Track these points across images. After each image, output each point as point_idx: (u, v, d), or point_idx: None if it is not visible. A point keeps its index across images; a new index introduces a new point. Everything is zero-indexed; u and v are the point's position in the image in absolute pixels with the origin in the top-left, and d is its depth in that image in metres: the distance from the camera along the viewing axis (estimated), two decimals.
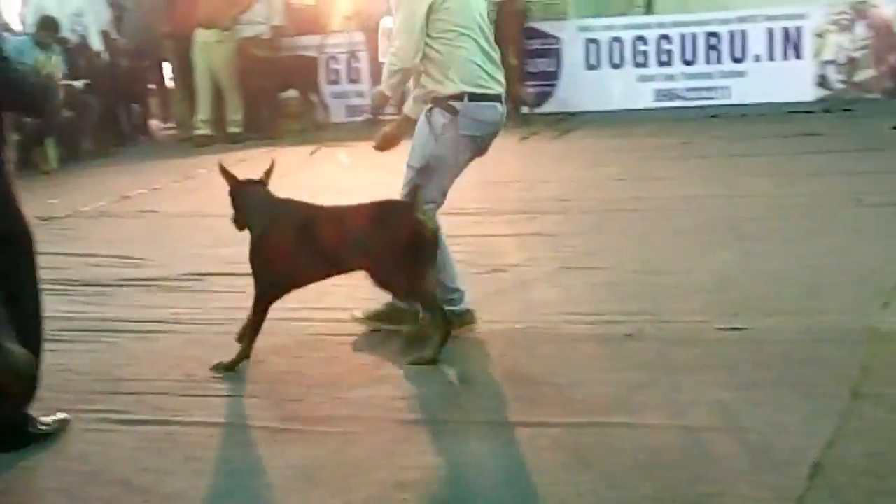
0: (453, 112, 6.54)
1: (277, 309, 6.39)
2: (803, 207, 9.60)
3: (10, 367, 3.52)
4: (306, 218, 6.33)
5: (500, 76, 6.73)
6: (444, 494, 4.86)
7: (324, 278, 6.47)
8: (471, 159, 6.80)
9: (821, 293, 7.17)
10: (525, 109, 16.34)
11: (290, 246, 6.25)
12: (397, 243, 6.14)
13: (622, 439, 5.18)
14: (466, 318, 6.77)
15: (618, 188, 11.11)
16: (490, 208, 10.40)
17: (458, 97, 6.54)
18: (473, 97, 6.56)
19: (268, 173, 6.49)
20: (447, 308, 6.50)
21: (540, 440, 5.25)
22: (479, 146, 6.75)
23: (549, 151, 13.86)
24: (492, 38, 6.76)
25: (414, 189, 6.38)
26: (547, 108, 16.94)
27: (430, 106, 6.63)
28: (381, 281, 6.25)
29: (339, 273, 6.43)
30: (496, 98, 6.66)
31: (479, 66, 6.60)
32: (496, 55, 6.75)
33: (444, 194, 6.74)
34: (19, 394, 4.40)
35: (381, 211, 6.31)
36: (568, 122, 15.83)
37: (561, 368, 6.16)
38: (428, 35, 6.51)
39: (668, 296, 7.33)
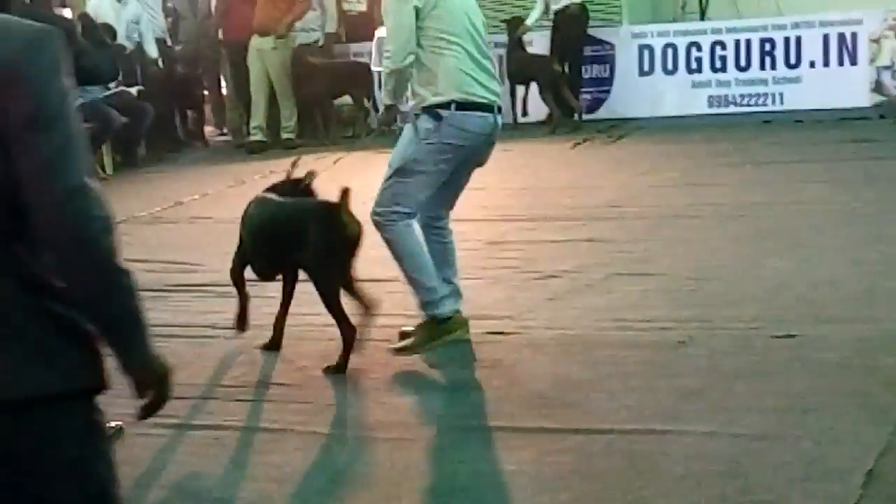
0: (438, 119, 6.44)
1: (323, 313, 6.42)
2: (859, 214, 9.52)
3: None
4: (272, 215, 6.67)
5: (495, 85, 6.64)
6: (493, 501, 4.85)
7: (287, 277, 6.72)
8: (458, 172, 6.65)
9: (876, 301, 7.10)
10: (576, 117, 16.29)
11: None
12: (322, 244, 6.24)
13: (674, 446, 5.16)
14: (452, 323, 6.67)
15: (671, 194, 11.06)
16: (542, 214, 10.39)
17: (445, 105, 6.44)
18: (460, 105, 6.44)
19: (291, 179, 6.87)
20: (428, 313, 6.56)
21: (591, 446, 5.23)
22: (466, 157, 6.59)
23: (602, 158, 13.82)
24: (486, 47, 6.66)
25: (344, 191, 6.34)
26: (600, 114, 16.90)
27: (418, 112, 6.58)
28: (314, 282, 6.33)
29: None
30: (486, 107, 6.52)
31: (468, 74, 6.46)
32: (490, 64, 6.66)
33: (420, 204, 6.56)
34: None
35: (313, 211, 6.49)
36: (621, 128, 15.78)
37: (613, 375, 6.14)
38: (418, 43, 6.46)
39: (722, 303, 7.29)
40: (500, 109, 6.65)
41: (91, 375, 2.72)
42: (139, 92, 15.22)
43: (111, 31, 15.03)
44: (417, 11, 6.41)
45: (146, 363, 2.77)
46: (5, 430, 2.61)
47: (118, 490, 2.82)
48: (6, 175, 2.55)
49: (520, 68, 16.22)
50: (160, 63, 16.75)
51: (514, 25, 16.30)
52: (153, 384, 2.82)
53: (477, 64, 6.51)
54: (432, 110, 6.48)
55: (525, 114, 16.80)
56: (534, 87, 16.41)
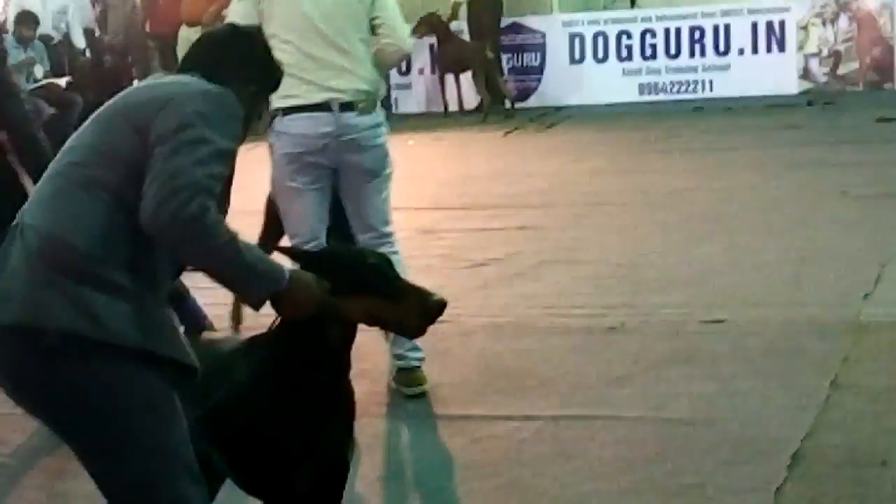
0: (274, 130, 5.82)
1: None
2: (787, 200, 9.62)
3: None
4: None
5: (347, 80, 5.71)
6: (427, 487, 4.87)
7: None
8: (340, 184, 5.85)
9: (803, 285, 7.18)
10: (507, 104, 16.33)
11: None
12: None
13: (603, 432, 5.20)
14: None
15: (602, 182, 11.12)
16: (473, 203, 10.41)
17: (276, 113, 5.73)
18: (287, 111, 5.69)
19: None
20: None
21: (522, 433, 5.26)
22: (322, 164, 5.76)
23: (533, 146, 13.86)
24: (340, 36, 5.73)
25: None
26: (531, 102, 16.96)
27: None
28: None
29: None
30: (316, 107, 5.67)
31: (295, 75, 5.44)
32: (344, 57, 5.73)
33: (313, 228, 5.75)
34: None
35: None
36: (552, 116, 15.84)
37: (543, 362, 6.17)
38: None
39: (651, 289, 7.34)
40: (356, 106, 5.72)
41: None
42: (68, 83, 15.06)
43: (34, 19, 14.86)
44: (248, 3, 5.78)
45: (262, 300, 3.03)
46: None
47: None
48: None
49: (454, 56, 16.24)
50: (87, 53, 16.58)
51: (437, 20, 16.17)
52: (291, 310, 3.09)
53: (315, 61, 5.69)
54: (272, 121, 5.82)
55: (461, 103, 16.83)
56: (464, 76, 16.45)
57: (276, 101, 5.49)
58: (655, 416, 5.33)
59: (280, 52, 5.40)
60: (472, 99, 16.71)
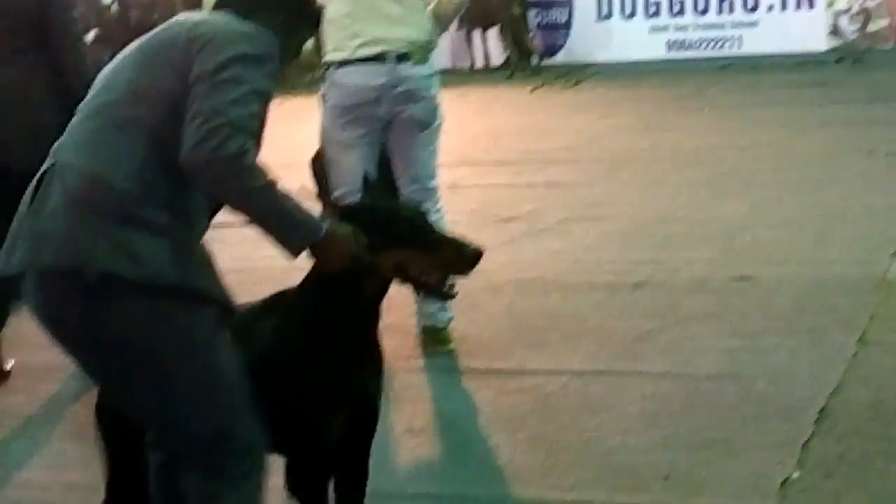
0: (327, 82, 5.80)
1: None
2: (815, 157, 9.58)
3: None
4: None
5: (400, 31, 5.68)
6: (453, 440, 4.89)
7: None
8: (389, 136, 5.82)
9: (830, 242, 7.17)
10: (534, 60, 16.28)
11: None
12: None
13: (630, 387, 5.20)
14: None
15: (628, 138, 11.09)
16: (500, 158, 10.40)
17: (330, 65, 5.75)
18: (342, 63, 5.68)
19: None
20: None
21: (548, 387, 5.27)
22: (374, 116, 5.73)
23: (560, 102, 13.83)
24: None
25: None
26: (558, 59, 16.90)
27: None
28: None
29: None
30: (371, 59, 5.63)
31: (351, 26, 5.60)
32: (393, 4, 5.69)
33: (352, 175, 5.36)
34: None
35: None
36: (578, 73, 15.78)
37: (570, 317, 6.18)
38: None
39: (678, 245, 7.34)
40: (411, 56, 5.69)
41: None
42: (95, 36, 15.07)
43: None
44: None
45: (300, 248, 3.02)
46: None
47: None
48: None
49: (481, 11, 16.18)
50: (114, 7, 16.59)
51: None
52: (328, 261, 3.09)
53: (371, 11, 5.67)
54: (325, 72, 5.84)
55: (488, 59, 16.77)
56: (491, 31, 16.40)
57: (331, 53, 5.68)
58: (681, 371, 5.34)
59: (336, 3, 5.56)
60: (498, 55, 16.66)
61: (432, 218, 5.43)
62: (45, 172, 3.00)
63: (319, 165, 6.10)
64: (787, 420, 4.73)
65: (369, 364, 3.39)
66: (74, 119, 3.11)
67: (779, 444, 4.51)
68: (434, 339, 5.78)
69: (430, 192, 5.79)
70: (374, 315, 3.35)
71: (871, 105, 11.75)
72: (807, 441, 4.52)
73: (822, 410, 4.78)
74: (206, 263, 3.03)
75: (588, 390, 5.22)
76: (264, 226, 2.98)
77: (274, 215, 2.95)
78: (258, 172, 2.90)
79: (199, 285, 2.96)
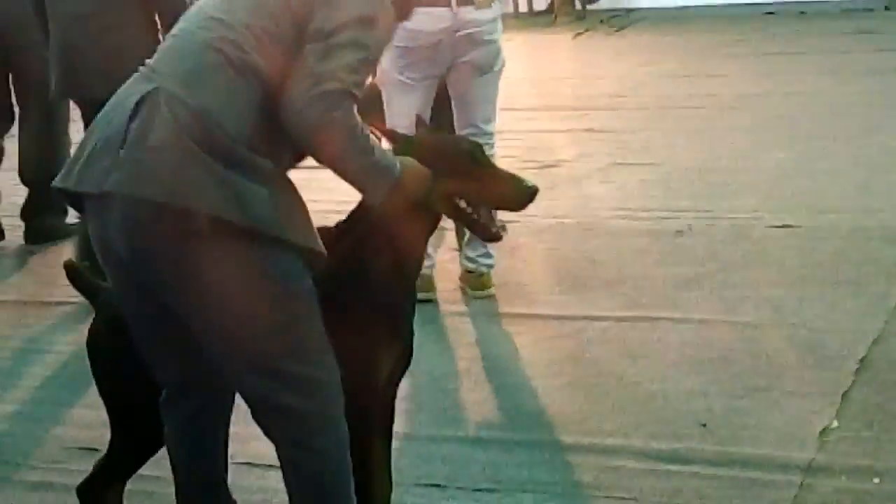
0: None
1: None
2: (860, 106, 9.50)
3: None
4: None
5: None
6: (492, 384, 4.90)
7: None
8: (449, 77, 5.77)
9: (874, 192, 7.11)
10: (578, 5, 16.17)
11: None
12: None
13: (670, 333, 5.20)
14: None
15: (672, 85, 11.02)
16: (543, 104, 10.37)
17: None
18: None
19: None
20: None
21: (587, 333, 5.28)
22: (433, 59, 5.68)
23: (604, 48, 13.75)
24: None
25: None
26: (601, 4, 16.78)
27: None
28: None
29: None
30: (434, 2, 5.51)
31: None
32: None
33: (406, 118, 5.29)
34: None
35: None
36: (623, 18, 15.67)
37: (610, 263, 6.17)
38: None
39: (720, 193, 7.30)
40: (474, 0, 5.62)
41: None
42: None
43: None
44: None
45: (383, 194, 3.01)
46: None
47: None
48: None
49: None
50: None
51: None
52: (402, 197, 3.05)
53: None
54: None
55: (531, 4, 16.67)
56: None
57: None
58: (723, 319, 5.33)
59: None
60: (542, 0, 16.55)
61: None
62: (145, 96, 2.90)
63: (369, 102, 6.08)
64: (827, 369, 4.72)
65: (413, 303, 3.39)
66: (176, 43, 3.04)
67: (818, 393, 4.51)
68: (475, 284, 5.78)
69: (487, 136, 5.74)
70: (421, 253, 3.34)
71: None
72: (847, 391, 4.51)
73: (862, 360, 4.77)
74: (302, 213, 2.99)
75: (627, 336, 5.21)
76: (351, 177, 2.98)
77: (364, 169, 2.95)
78: (358, 134, 2.90)
79: (296, 236, 2.92)
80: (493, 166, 3.33)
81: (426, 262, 5.67)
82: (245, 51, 2.91)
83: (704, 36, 13.87)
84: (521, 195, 3.27)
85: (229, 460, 3.48)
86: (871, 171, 7.54)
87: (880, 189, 7.15)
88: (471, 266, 5.78)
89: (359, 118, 2.91)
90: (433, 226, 3.33)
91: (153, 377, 3.22)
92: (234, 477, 3.93)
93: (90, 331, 3.45)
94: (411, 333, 3.38)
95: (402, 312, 3.33)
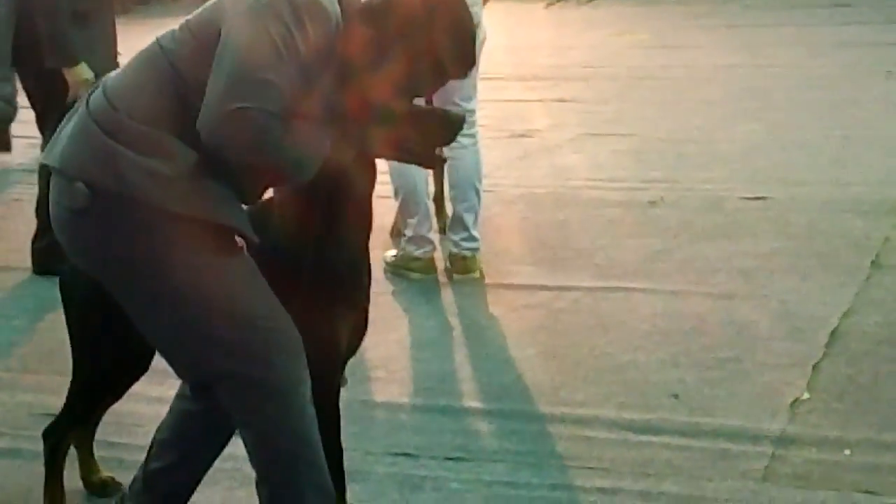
0: None
1: None
2: (832, 79, 9.51)
3: None
4: None
5: None
6: (463, 354, 4.89)
7: None
8: None
9: (846, 165, 7.12)
10: None
11: None
12: None
13: (642, 304, 5.20)
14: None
15: (644, 56, 11.00)
16: (515, 74, 10.33)
17: None
18: None
19: None
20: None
21: (559, 303, 5.27)
22: None
23: (576, 18, 13.71)
24: None
25: None
26: None
27: None
28: None
29: None
30: None
31: None
32: None
33: None
34: None
35: None
36: None
37: (582, 233, 6.16)
38: None
39: (692, 164, 7.30)
40: None
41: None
42: None
43: None
44: None
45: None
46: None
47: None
48: None
49: None
50: None
51: None
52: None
53: None
54: None
55: None
56: None
57: None
58: (694, 290, 5.33)
59: None
60: None
61: (465, 141, 5.45)
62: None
63: None
64: (798, 341, 4.73)
65: (367, 268, 3.39)
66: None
67: (789, 364, 4.52)
68: (459, 267, 5.73)
69: (468, 114, 5.58)
70: (369, 212, 3.33)
71: (891, 26, 11.63)
72: (817, 362, 4.52)
73: (833, 332, 4.78)
74: (213, 190, 2.92)
75: (599, 307, 5.21)
76: (278, 170, 2.96)
77: (286, 164, 2.92)
78: (273, 141, 2.82)
79: (183, 207, 2.87)
80: (418, 106, 3.31)
81: (426, 247, 5.70)
82: (176, 43, 2.95)
83: (677, 7, 13.83)
84: (449, 127, 3.25)
85: None
86: (844, 144, 7.55)
87: (852, 162, 7.16)
88: (454, 250, 5.73)
89: (275, 125, 2.80)
90: (373, 177, 3.32)
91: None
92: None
93: (63, 271, 3.50)
94: (367, 299, 3.38)
95: (358, 279, 3.33)
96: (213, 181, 2.91)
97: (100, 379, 3.51)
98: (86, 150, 2.89)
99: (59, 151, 2.94)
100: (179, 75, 2.89)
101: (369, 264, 3.40)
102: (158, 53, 2.95)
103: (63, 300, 3.50)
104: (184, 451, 3.23)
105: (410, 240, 5.69)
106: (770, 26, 12.19)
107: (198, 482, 3.27)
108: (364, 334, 3.42)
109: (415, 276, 5.69)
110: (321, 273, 3.18)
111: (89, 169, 2.87)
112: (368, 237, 3.36)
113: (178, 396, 3.24)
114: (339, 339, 3.27)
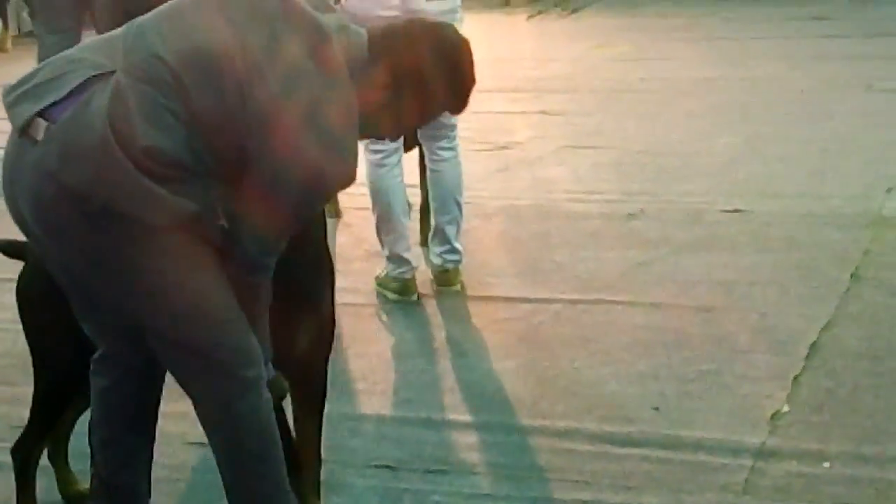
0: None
1: None
2: (812, 91, 9.53)
3: None
4: None
5: None
6: (442, 366, 4.89)
7: None
8: None
9: (826, 177, 7.14)
10: None
11: None
12: None
13: (622, 317, 5.21)
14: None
15: (625, 68, 11.02)
16: (496, 86, 10.31)
17: None
18: None
19: None
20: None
21: (539, 315, 5.27)
22: None
23: (557, 30, 13.72)
24: None
25: None
26: None
27: None
28: None
29: None
30: None
31: None
32: None
33: None
34: None
35: None
36: (576, 1, 15.66)
37: (563, 245, 6.17)
38: None
39: (673, 177, 7.31)
40: None
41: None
42: None
43: None
44: None
45: None
46: None
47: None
48: None
49: None
50: None
51: None
52: None
53: None
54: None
55: None
56: None
57: None
58: (674, 302, 5.34)
59: None
60: None
61: (446, 154, 5.45)
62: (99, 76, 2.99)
63: None
64: (777, 354, 4.74)
65: (331, 274, 3.43)
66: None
67: (769, 377, 4.53)
68: (441, 279, 5.72)
69: (447, 129, 5.62)
70: (322, 216, 3.42)
71: (870, 40, 11.67)
72: (797, 375, 4.53)
73: (813, 345, 4.79)
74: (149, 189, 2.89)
75: (580, 319, 5.22)
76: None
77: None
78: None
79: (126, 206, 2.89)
80: None
81: (403, 267, 5.64)
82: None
83: (657, 20, 13.85)
84: None
85: (182, 440, 3.46)
86: (823, 157, 7.57)
87: (831, 175, 7.18)
88: (437, 262, 5.72)
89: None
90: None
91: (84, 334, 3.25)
92: (184, 457, 3.92)
93: (19, 276, 3.52)
94: (332, 304, 3.43)
95: (317, 284, 3.37)
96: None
97: (59, 386, 3.51)
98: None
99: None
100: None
101: (332, 272, 3.41)
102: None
103: (18, 304, 3.50)
104: (113, 426, 3.27)
105: (389, 259, 5.65)
106: (750, 39, 12.22)
107: (143, 463, 3.32)
108: (330, 342, 3.44)
109: (391, 296, 5.64)
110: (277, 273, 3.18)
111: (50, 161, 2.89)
112: (325, 237, 3.39)
113: (92, 374, 3.28)
114: (296, 344, 3.32)
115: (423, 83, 3.07)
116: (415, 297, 5.61)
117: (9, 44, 14.21)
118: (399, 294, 5.61)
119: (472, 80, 3.19)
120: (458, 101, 3.20)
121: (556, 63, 11.47)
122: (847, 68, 10.32)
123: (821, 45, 11.60)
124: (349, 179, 2.97)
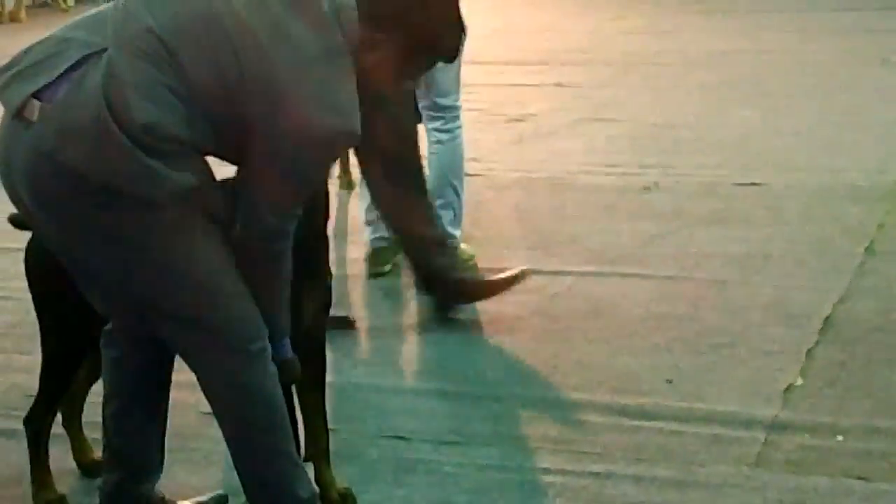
0: None
1: None
2: (827, 65, 9.50)
3: None
4: None
5: None
6: (456, 338, 4.88)
7: None
8: None
9: (840, 151, 7.12)
10: None
11: None
12: None
13: (636, 289, 5.20)
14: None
15: (640, 41, 10.99)
16: (511, 58, 10.33)
17: None
18: None
19: None
20: None
21: (553, 287, 5.27)
22: None
23: (573, 2, 13.70)
24: None
25: None
26: None
27: None
28: None
29: None
30: None
31: None
32: None
33: None
34: None
35: None
36: None
37: (577, 218, 6.16)
38: None
39: (687, 150, 7.30)
40: None
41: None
42: None
43: None
44: None
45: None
46: None
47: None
48: None
49: None
50: None
51: None
52: None
53: None
54: None
55: None
56: None
57: None
58: (688, 275, 5.33)
59: None
60: None
61: (442, 136, 5.42)
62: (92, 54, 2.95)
63: None
64: (791, 327, 4.73)
65: (326, 244, 3.49)
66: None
67: (783, 350, 4.52)
68: None
69: (444, 110, 5.53)
70: (326, 191, 3.43)
71: (886, 13, 11.63)
72: (811, 348, 4.53)
73: (827, 318, 4.78)
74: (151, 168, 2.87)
75: (593, 292, 5.21)
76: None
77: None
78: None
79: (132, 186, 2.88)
80: None
81: (374, 234, 5.59)
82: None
83: None
84: None
85: (196, 410, 3.46)
86: (837, 130, 7.55)
87: (846, 148, 7.16)
88: None
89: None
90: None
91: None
92: (198, 426, 3.93)
93: (27, 247, 3.52)
94: (329, 275, 3.47)
95: (318, 255, 3.40)
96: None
97: (65, 355, 3.52)
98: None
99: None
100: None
101: (327, 244, 3.48)
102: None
103: (26, 270, 3.51)
104: (124, 397, 3.28)
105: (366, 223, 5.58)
106: (765, 12, 12.19)
107: (155, 434, 3.34)
108: (328, 310, 3.49)
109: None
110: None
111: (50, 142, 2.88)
112: (328, 214, 3.46)
113: (103, 346, 3.29)
114: (301, 316, 3.32)
115: (411, 26, 3.04)
116: (387, 269, 5.55)
117: (23, 13, 14.24)
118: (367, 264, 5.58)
119: (458, 18, 3.17)
120: (449, 41, 3.15)
121: (572, 35, 11.45)
122: (862, 41, 10.30)
123: (836, 18, 11.56)
124: (353, 136, 2.95)
